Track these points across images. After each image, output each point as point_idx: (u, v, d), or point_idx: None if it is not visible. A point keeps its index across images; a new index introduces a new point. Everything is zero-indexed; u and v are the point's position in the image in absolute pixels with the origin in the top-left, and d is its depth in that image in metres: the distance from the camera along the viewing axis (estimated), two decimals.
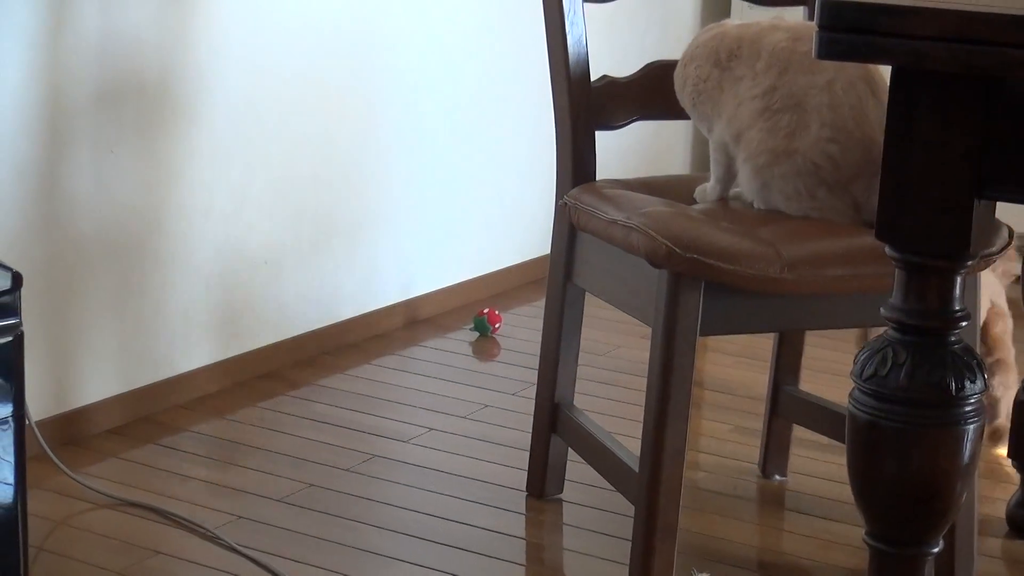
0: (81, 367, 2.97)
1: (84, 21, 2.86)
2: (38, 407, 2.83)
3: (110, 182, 2.96)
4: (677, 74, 2.53)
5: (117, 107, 2.95)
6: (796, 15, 2.81)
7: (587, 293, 2.64)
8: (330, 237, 3.54)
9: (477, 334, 3.76)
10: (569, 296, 2.66)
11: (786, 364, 2.87)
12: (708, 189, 2.53)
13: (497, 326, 3.76)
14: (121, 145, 2.97)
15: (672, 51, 2.87)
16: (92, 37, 2.88)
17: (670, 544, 2.33)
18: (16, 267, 2.34)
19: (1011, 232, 2.37)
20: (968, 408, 1.56)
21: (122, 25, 2.93)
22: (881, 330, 1.60)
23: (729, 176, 2.50)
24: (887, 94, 2.25)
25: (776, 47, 2.39)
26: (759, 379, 3.25)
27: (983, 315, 3.00)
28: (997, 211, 1.71)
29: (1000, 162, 1.46)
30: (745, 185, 2.44)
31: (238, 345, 3.32)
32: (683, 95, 2.52)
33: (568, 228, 2.60)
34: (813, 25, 2.40)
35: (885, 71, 1.66)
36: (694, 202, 2.52)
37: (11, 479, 2.32)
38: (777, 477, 2.93)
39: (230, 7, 3.16)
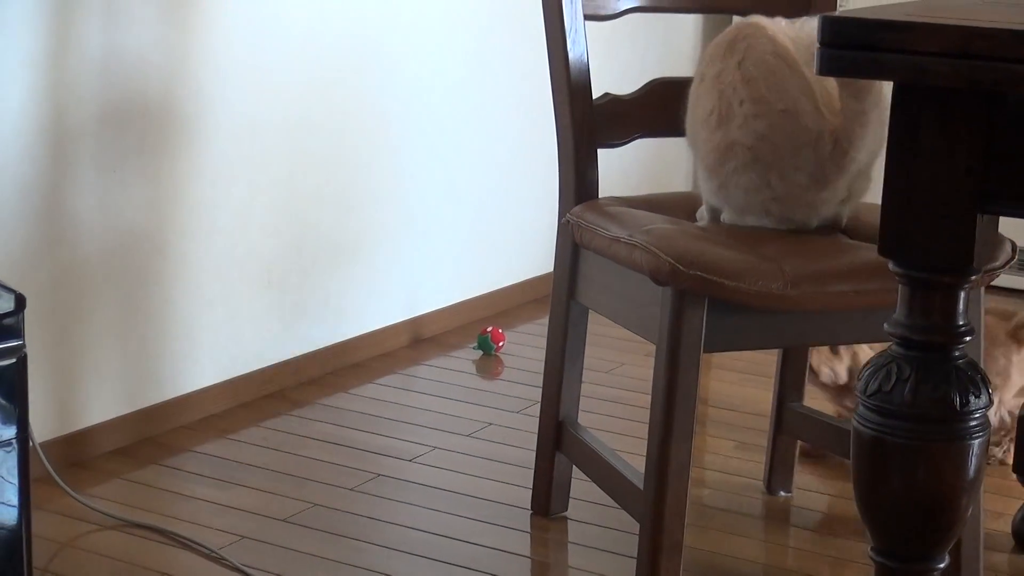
0: (85, 388, 2.96)
1: (87, 41, 2.86)
2: (42, 428, 2.83)
3: (113, 202, 2.96)
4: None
5: (120, 127, 2.95)
6: None
7: (590, 311, 2.64)
8: (333, 256, 3.55)
9: (481, 352, 3.76)
10: (573, 314, 2.66)
11: (790, 380, 2.86)
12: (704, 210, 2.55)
13: (501, 344, 3.76)
14: (124, 165, 2.97)
15: (673, 69, 2.88)
16: (95, 57, 2.88)
17: (676, 561, 2.33)
18: (19, 288, 2.34)
19: (1014, 246, 2.37)
20: (973, 423, 1.56)
21: (125, 46, 2.93)
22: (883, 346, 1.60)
23: None
24: (803, 65, 2.25)
25: (763, 57, 2.38)
26: (763, 395, 3.25)
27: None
28: (1000, 225, 1.71)
29: (1003, 177, 1.46)
30: (706, 192, 2.44)
31: (242, 365, 3.32)
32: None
33: (571, 246, 2.60)
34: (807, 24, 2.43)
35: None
36: (696, 219, 2.52)
37: (15, 501, 2.32)
38: (782, 493, 2.93)
39: (233, 28, 3.16)
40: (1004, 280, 4.28)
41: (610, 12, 2.69)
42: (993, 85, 1.40)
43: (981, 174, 1.46)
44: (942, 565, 1.63)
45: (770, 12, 2.67)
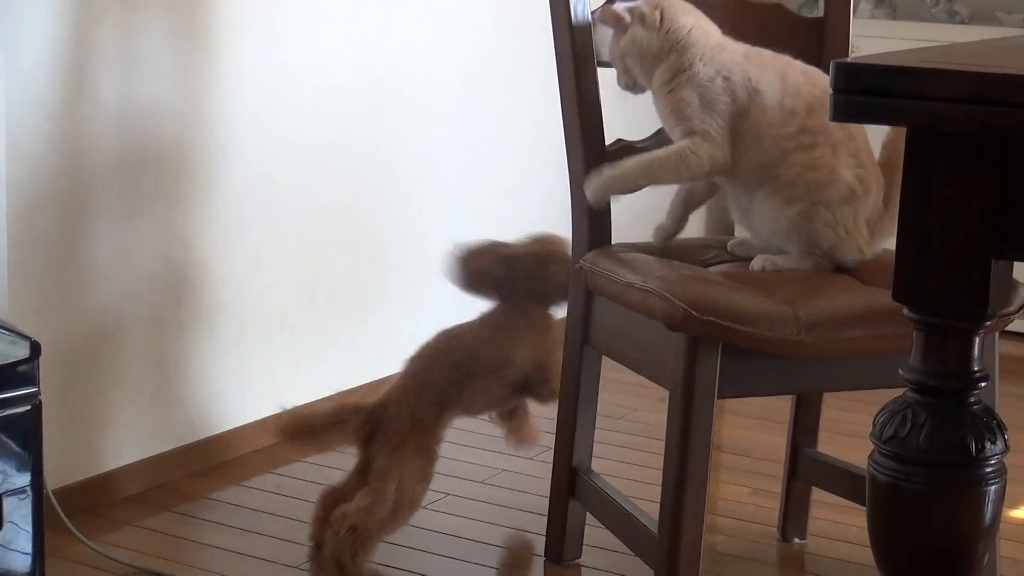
0: (99, 435, 2.96)
1: (102, 91, 2.88)
2: (56, 475, 2.82)
3: (128, 250, 2.97)
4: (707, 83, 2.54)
5: (135, 175, 2.96)
6: None
7: (604, 356, 2.64)
8: (347, 303, 3.55)
9: None
10: (586, 359, 2.66)
11: (804, 426, 2.86)
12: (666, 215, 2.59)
13: None
14: (139, 213, 2.98)
15: None
16: (110, 105, 2.89)
17: None
18: (34, 336, 2.35)
19: None
20: (989, 469, 1.56)
21: (140, 94, 2.95)
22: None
23: (686, 207, 2.59)
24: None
25: (800, 88, 2.43)
26: (777, 441, 3.24)
27: None
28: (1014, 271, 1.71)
29: (1017, 222, 1.46)
30: (770, 222, 2.44)
31: (256, 411, 3.31)
32: (709, 110, 2.49)
33: (584, 292, 2.60)
34: (815, 69, 2.47)
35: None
36: (709, 265, 2.52)
37: (29, 548, 2.32)
38: (797, 540, 2.92)
39: (247, 76, 3.18)
40: (1018, 325, 4.27)
41: None
42: (1007, 131, 1.40)
43: (996, 220, 1.46)
44: None
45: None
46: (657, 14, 2.50)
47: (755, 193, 2.46)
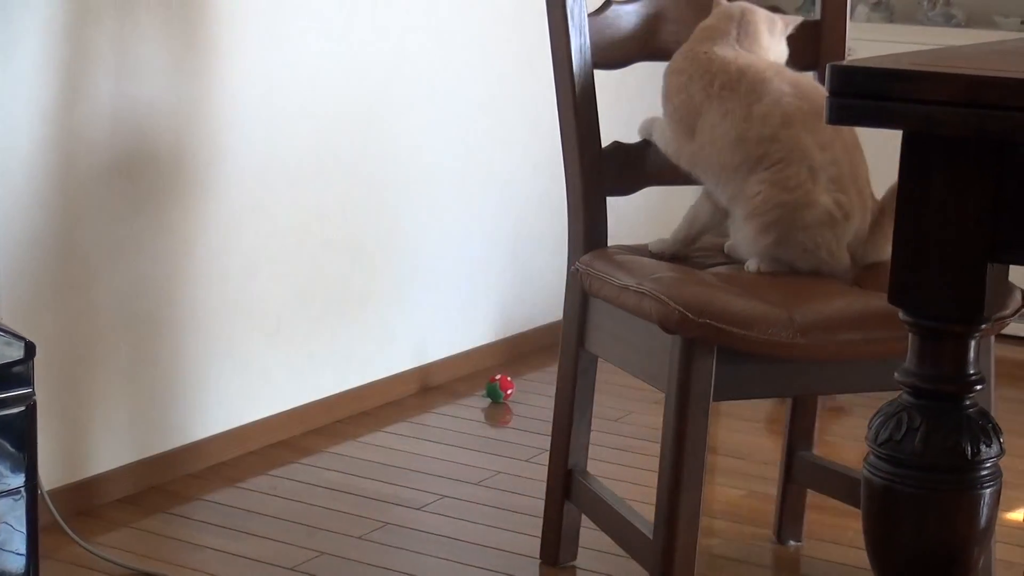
0: (93, 436, 2.96)
1: (98, 92, 2.87)
2: (50, 476, 2.82)
3: (123, 251, 2.96)
4: (665, 76, 2.57)
5: (130, 176, 2.96)
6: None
7: (600, 359, 2.63)
8: (342, 304, 3.55)
9: (489, 401, 3.75)
10: (582, 362, 2.65)
11: (800, 429, 2.85)
12: (671, 234, 2.57)
13: (509, 392, 3.76)
14: (134, 214, 2.98)
15: None
16: (106, 106, 2.89)
17: None
18: (29, 336, 2.35)
19: None
20: (984, 472, 1.55)
21: (135, 95, 2.94)
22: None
23: (696, 229, 2.55)
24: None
25: (781, 99, 2.41)
26: (773, 444, 3.24)
27: None
28: (1010, 274, 1.71)
29: (1013, 226, 1.46)
30: (750, 243, 2.44)
31: (251, 413, 3.31)
32: (667, 103, 2.56)
33: (580, 294, 2.60)
34: (812, 82, 2.47)
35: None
36: (706, 267, 2.52)
37: (23, 549, 2.32)
38: (792, 543, 2.91)
39: (243, 78, 3.18)
40: (1014, 328, 4.27)
41: (619, 61, 2.69)
42: (1002, 134, 1.40)
43: (991, 223, 1.46)
44: None
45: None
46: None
47: (733, 212, 2.47)
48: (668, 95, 2.56)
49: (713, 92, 2.47)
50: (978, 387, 1.55)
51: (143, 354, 3.04)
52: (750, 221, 2.42)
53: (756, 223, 2.41)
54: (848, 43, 2.78)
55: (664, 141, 2.56)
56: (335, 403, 3.54)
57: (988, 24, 4.69)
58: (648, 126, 2.63)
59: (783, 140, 2.40)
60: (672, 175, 2.63)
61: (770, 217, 2.40)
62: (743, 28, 2.54)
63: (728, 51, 2.52)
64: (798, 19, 2.63)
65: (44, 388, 2.67)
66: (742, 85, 2.46)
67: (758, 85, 2.44)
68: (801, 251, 2.40)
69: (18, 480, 2.31)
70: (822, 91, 2.44)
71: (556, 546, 2.75)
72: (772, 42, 2.57)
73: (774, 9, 2.66)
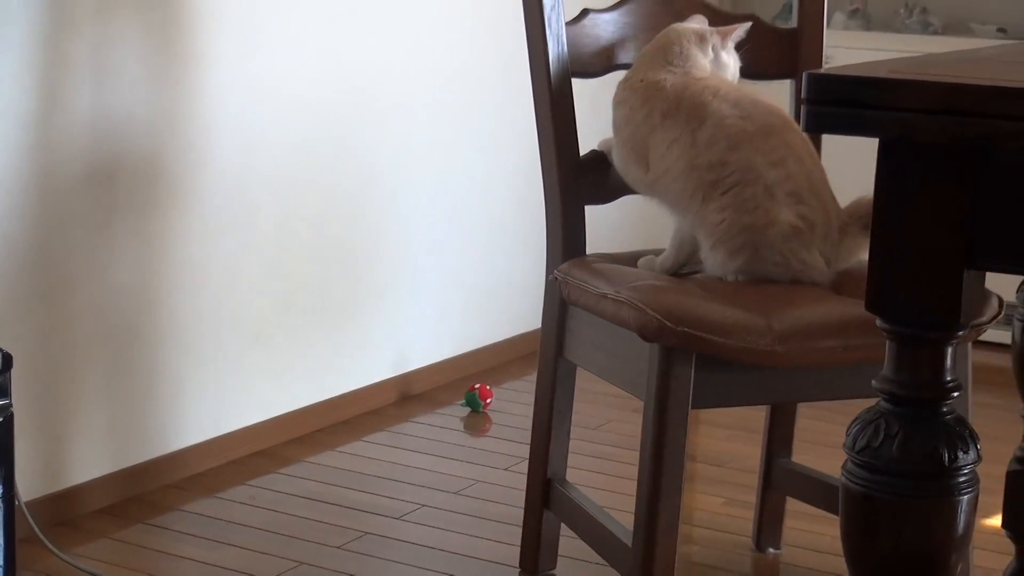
0: (72, 446, 2.95)
1: (76, 101, 2.87)
2: (28, 487, 2.81)
3: (101, 260, 2.96)
4: (613, 107, 2.58)
5: (109, 185, 2.95)
6: (782, 89, 2.83)
7: (578, 367, 2.63)
8: (322, 313, 3.54)
9: (469, 409, 3.75)
10: (561, 370, 2.65)
11: (779, 436, 2.86)
12: (659, 260, 2.55)
13: (489, 401, 3.76)
14: (112, 223, 2.97)
15: None
16: (84, 117, 2.88)
17: None
18: (7, 347, 2.34)
19: (1001, 301, 2.37)
20: (962, 479, 1.56)
21: (114, 104, 2.94)
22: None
23: (684, 253, 2.53)
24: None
25: (723, 121, 2.41)
26: (751, 451, 3.24)
27: None
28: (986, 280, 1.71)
29: (989, 232, 1.46)
30: (720, 269, 2.44)
31: (229, 422, 3.31)
32: (617, 134, 2.57)
33: (559, 302, 2.60)
34: (753, 99, 2.46)
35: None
36: (683, 275, 2.52)
37: (0, 560, 2.31)
38: (771, 550, 2.92)
39: (222, 86, 3.17)
40: (991, 335, 4.28)
41: (597, 69, 2.70)
42: (978, 141, 1.40)
43: (968, 230, 1.46)
44: None
45: (756, 72, 2.70)
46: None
47: (699, 239, 2.46)
48: (617, 127, 2.56)
49: (656, 121, 2.47)
50: (955, 394, 1.56)
51: (121, 364, 3.03)
52: (717, 249, 2.42)
53: (723, 250, 2.42)
54: (825, 51, 2.78)
55: (622, 169, 2.56)
56: (314, 412, 3.53)
57: (965, 32, 4.71)
58: (607, 144, 2.63)
59: (733, 163, 2.40)
60: None
61: (736, 243, 2.40)
62: (673, 50, 2.54)
63: (663, 75, 2.51)
64: (739, 27, 2.59)
65: (22, 398, 2.66)
66: (681, 111, 2.45)
67: (697, 109, 2.44)
68: (772, 266, 2.40)
69: None
70: (765, 107, 2.46)
71: (535, 555, 2.75)
72: (710, 58, 2.56)
73: (728, 20, 2.66)
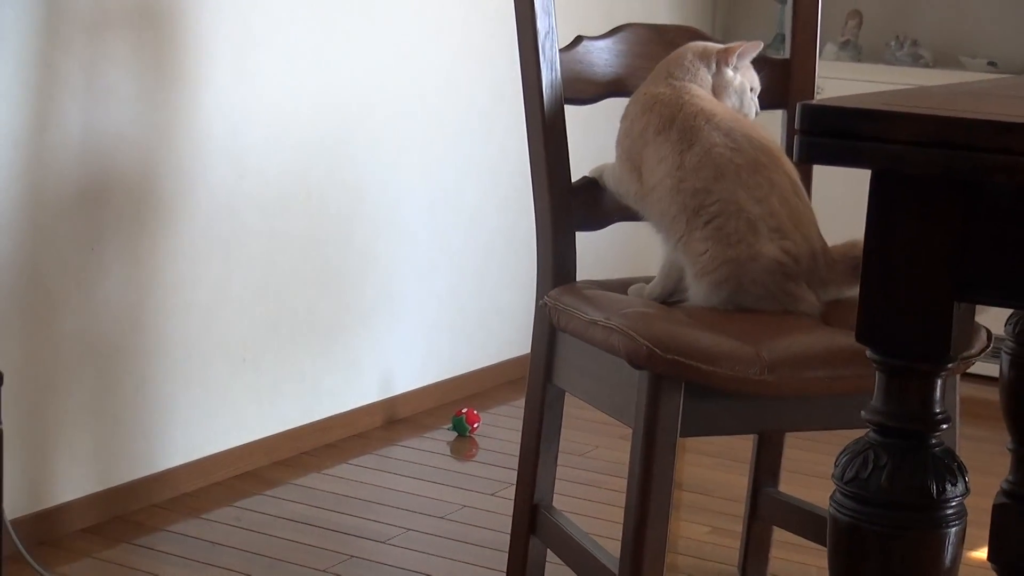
0: (57, 465, 2.95)
1: (66, 120, 2.87)
2: (14, 505, 2.80)
3: (90, 279, 2.95)
4: (620, 121, 2.60)
5: (98, 206, 2.95)
6: (773, 119, 2.83)
7: (567, 393, 2.63)
8: (309, 335, 3.54)
9: (456, 434, 3.75)
10: (549, 396, 2.65)
11: (766, 465, 2.86)
12: (648, 288, 2.55)
13: (476, 426, 3.75)
14: (101, 242, 2.97)
15: None
16: (75, 136, 2.88)
17: None
18: None
19: (989, 334, 2.37)
20: (950, 511, 1.56)
21: (104, 123, 2.94)
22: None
23: (672, 281, 2.53)
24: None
25: (712, 149, 2.42)
26: (738, 481, 3.24)
27: None
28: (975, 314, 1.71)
29: (979, 266, 1.47)
30: (705, 300, 2.43)
31: (215, 443, 3.30)
32: (617, 146, 2.59)
33: (548, 328, 2.60)
34: (747, 131, 2.46)
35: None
36: (673, 303, 2.52)
37: None
38: None
39: (212, 108, 3.17)
40: (979, 368, 4.28)
41: (590, 96, 2.70)
42: (970, 174, 1.40)
43: (958, 263, 1.47)
44: None
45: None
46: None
47: (683, 265, 2.47)
48: (618, 140, 2.58)
49: (649, 137, 2.48)
50: (944, 426, 1.56)
51: (108, 383, 3.03)
52: (701, 280, 2.43)
53: (707, 281, 2.42)
54: (817, 82, 2.79)
55: (619, 182, 2.56)
56: (301, 435, 3.53)
57: (955, 64, 4.72)
58: (599, 170, 2.64)
59: (716, 192, 2.40)
60: None
61: (720, 275, 2.40)
62: (677, 64, 2.56)
63: (663, 88, 2.52)
64: (744, 44, 2.60)
65: (8, 416, 2.65)
66: (673, 130, 2.46)
67: (688, 132, 2.45)
68: (757, 299, 2.40)
69: None
70: (756, 141, 2.46)
71: None
72: (712, 72, 2.57)
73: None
